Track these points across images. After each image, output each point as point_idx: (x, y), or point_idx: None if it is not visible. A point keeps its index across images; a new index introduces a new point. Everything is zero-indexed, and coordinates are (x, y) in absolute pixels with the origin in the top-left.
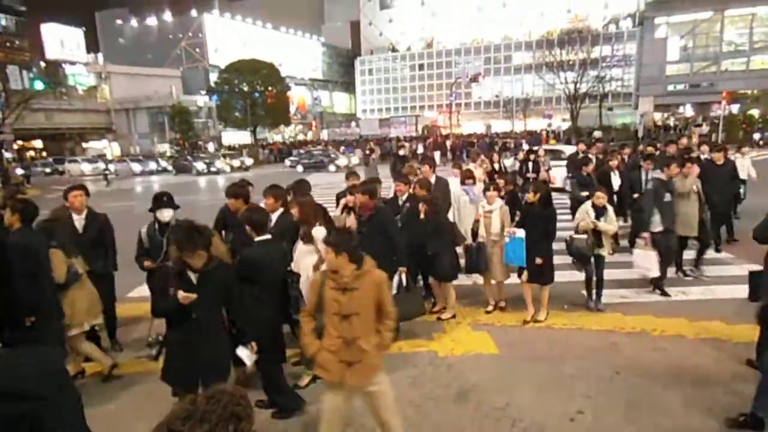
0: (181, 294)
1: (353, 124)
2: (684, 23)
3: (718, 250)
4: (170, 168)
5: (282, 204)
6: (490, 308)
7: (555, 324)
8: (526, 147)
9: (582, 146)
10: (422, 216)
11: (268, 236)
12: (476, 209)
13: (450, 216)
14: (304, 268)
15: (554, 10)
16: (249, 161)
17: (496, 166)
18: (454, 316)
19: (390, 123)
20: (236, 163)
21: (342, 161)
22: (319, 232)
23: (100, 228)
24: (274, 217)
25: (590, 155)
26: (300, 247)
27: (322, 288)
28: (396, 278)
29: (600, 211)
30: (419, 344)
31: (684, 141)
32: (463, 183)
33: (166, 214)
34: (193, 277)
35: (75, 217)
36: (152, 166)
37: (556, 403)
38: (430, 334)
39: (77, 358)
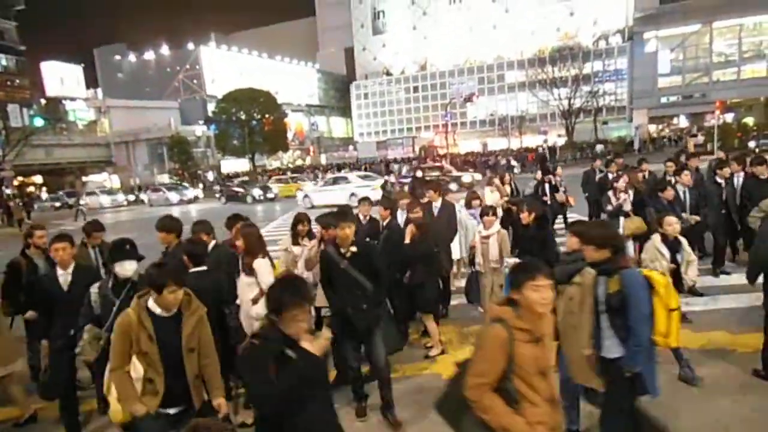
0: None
1: (351, 147)
2: (673, 36)
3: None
4: (218, 196)
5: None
6: None
7: None
8: (515, 164)
9: (598, 163)
10: (407, 240)
11: (203, 268)
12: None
13: (456, 242)
14: (244, 300)
15: (544, 28)
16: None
17: (507, 188)
18: (443, 352)
19: (387, 145)
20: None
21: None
22: (260, 264)
23: (89, 286)
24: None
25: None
26: (242, 278)
27: (512, 346)
28: None
29: (674, 246)
30: (422, 367)
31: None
32: (468, 206)
33: (128, 268)
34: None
35: (60, 272)
36: (190, 194)
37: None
38: (434, 358)
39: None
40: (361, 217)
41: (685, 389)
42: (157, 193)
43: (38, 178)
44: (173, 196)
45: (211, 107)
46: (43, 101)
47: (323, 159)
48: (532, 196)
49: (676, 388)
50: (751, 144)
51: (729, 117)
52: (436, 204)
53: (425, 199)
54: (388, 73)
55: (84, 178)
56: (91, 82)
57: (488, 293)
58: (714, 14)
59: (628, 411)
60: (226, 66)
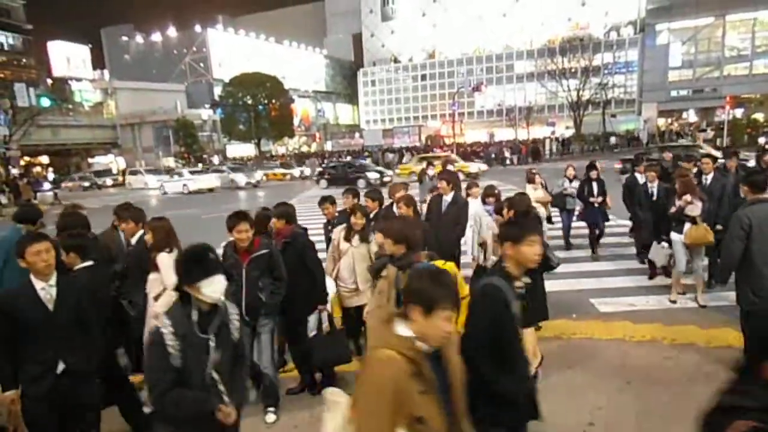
0: None
1: (357, 135)
2: (685, 29)
3: None
4: (314, 179)
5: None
6: None
7: (564, 334)
8: (508, 155)
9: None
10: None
11: (90, 263)
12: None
13: (468, 238)
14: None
15: (555, 18)
16: None
17: (540, 191)
18: None
19: (393, 133)
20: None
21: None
22: (162, 260)
23: (80, 300)
24: (134, 240)
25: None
26: (151, 275)
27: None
28: (314, 318)
29: None
30: None
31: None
32: (483, 202)
33: (218, 288)
34: None
35: (38, 285)
36: (258, 176)
37: (567, 414)
38: None
39: None
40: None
41: (691, 388)
42: (219, 174)
43: (45, 159)
44: (240, 178)
45: (217, 91)
46: (49, 81)
47: (329, 146)
48: (563, 196)
49: (681, 387)
50: (761, 140)
51: (739, 112)
52: (447, 198)
53: (435, 192)
54: (396, 61)
55: (90, 160)
56: (98, 62)
57: None
58: (728, 7)
59: None
60: (233, 49)
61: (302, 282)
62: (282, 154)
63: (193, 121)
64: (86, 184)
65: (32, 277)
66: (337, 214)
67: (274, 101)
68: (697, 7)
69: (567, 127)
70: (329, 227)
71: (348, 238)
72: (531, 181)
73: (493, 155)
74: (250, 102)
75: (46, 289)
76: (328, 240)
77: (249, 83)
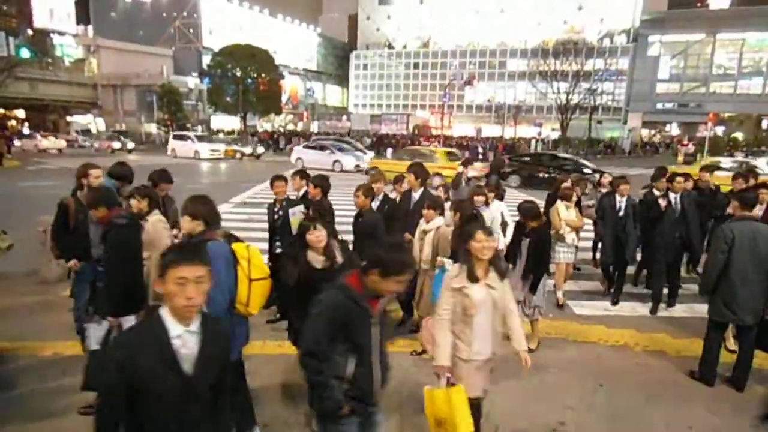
0: None
1: (344, 117)
2: (677, 43)
3: None
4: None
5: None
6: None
7: (539, 332)
8: (481, 150)
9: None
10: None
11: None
12: None
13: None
14: None
15: (551, 19)
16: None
17: (572, 211)
18: None
19: (381, 120)
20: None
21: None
22: None
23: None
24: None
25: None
26: None
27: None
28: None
29: None
30: (401, 344)
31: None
32: (471, 201)
33: None
34: None
35: (174, 331)
36: (367, 157)
37: (539, 412)
38: (415, 335)
39: None
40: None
41: (661, 395)
42: (313, 151)
43: (21, 113)
44: (348, 160)
45: (206, 60)
46: (29, 32)
47: (315, 126)
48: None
49: (652, 392)
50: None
51: (720, 130)
52: (416, 194)
53: (404, 186)
54: (390, 46)
55: (68, 118)
56: (82, 18)
57: (417, 295)
58: (719, 25)
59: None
60: (225, 18)
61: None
62: (266, 130)
63: (179, 88)
64: (116, 146)
65: (164, 314)
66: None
67: (263, 75)
68: (690, 23)
69: (553, 129)
70: (276, 208)
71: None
72: (565, 197)
73: (480, 150)
74: (239, 74)
75: (184, 338)
76: (271, 222)
77: (239, 55)
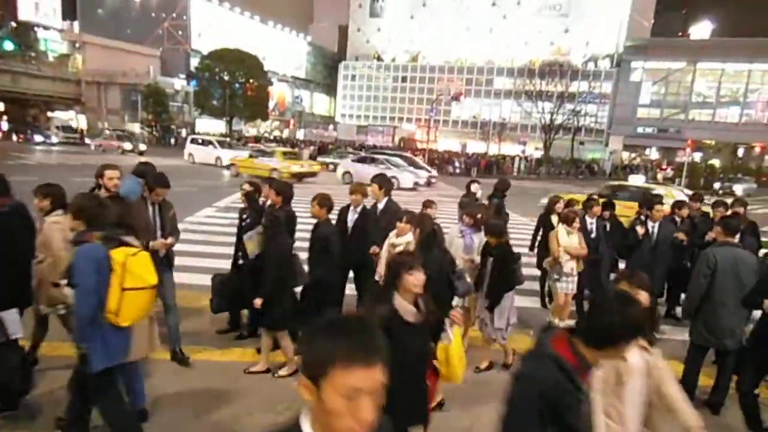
0: None
1: (331, 127)
2: (658, 70)
3: None
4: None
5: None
6: None
7: (521, 348)
8: (457, 164)
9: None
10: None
11: None
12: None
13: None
14: None
15: (538, 40)
16: None
17: (575, 236)
18: (295, 372)
19: (367, 130)
20: None
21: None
22: None
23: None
24: None
25: None
26: None
27: None
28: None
29: None
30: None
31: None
32: (464, 224)
33: None
34: None
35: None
36: (424, 175)
37: None
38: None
39: None
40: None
41: None
42: (362, 165)
43: (0, 106)
44: (406, 177)
45: (194, 62)
46: (13, 24)
47: (301, 134)
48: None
49: None
50: (716, 185)
51: (697, 156)
52: (381, 204)
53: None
54: (379, 58)
55: (49, 114)
56: (68, 13)
57: None
58: (699, 55)
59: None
60: (215, 22)
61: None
62: (252, 135)
63: (165, 89)
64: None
65: None
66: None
67: (251, 81)
68: (672, 51)
69: (536, 148)
70: (244, 215)
71: None
72: (567, 220)
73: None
74: (227, 78)
75: None
76: (239, 229)
77: (228, 59)
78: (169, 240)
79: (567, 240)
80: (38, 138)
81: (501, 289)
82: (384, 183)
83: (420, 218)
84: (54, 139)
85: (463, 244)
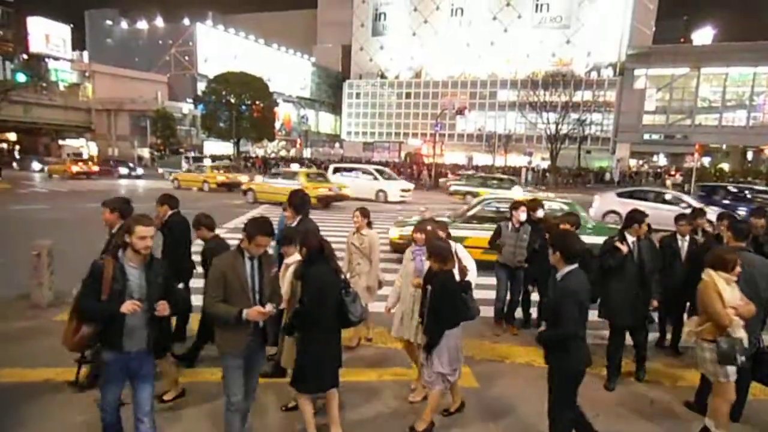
0: None
1: (337, 145)
2: (662, 76)
3: None
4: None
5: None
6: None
7: (535, 361)
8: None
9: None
10: None
11: None
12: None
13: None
14: None
15: (540, 52)
16: None
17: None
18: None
19: (374, 147)
20: None
21: None
22: None
23: None
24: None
25: None
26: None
27: None
28: None
29: None
30: (400, 373)
31: None
32: (416, 244)
33: None
34: None
35: None
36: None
37: None
38: (410, 364)
39: None
40: None
41: (659, 422)
42: (347, 175)
43: (12, 136)
44: (394, 189)
45: (201, 86)
46: (24, 56)
47: (307, 153)
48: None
49: (648, 420)
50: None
51: (706, 161)
52: (294, 224)
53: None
54: (382, 76)
55: (60, 142)
56: (77, 44)
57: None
58: (703, 60)
59: None
60: (220, 47)
61: None
62: (257, 155)
63: (173, 113)
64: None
65: None
66: None
67: (257, 102)
68: (675, 57)
69: (543, 158)
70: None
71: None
72: (725, 265)
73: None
74: (233, 101)
75: None
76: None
77: (234, 82)
78: (268, 308)
79: (731, 294)
80: (123, 170)
81: (439, 326)
82: (294, 200)
83: (304, 236)
84: (140, 171)
85: (414, 267)
